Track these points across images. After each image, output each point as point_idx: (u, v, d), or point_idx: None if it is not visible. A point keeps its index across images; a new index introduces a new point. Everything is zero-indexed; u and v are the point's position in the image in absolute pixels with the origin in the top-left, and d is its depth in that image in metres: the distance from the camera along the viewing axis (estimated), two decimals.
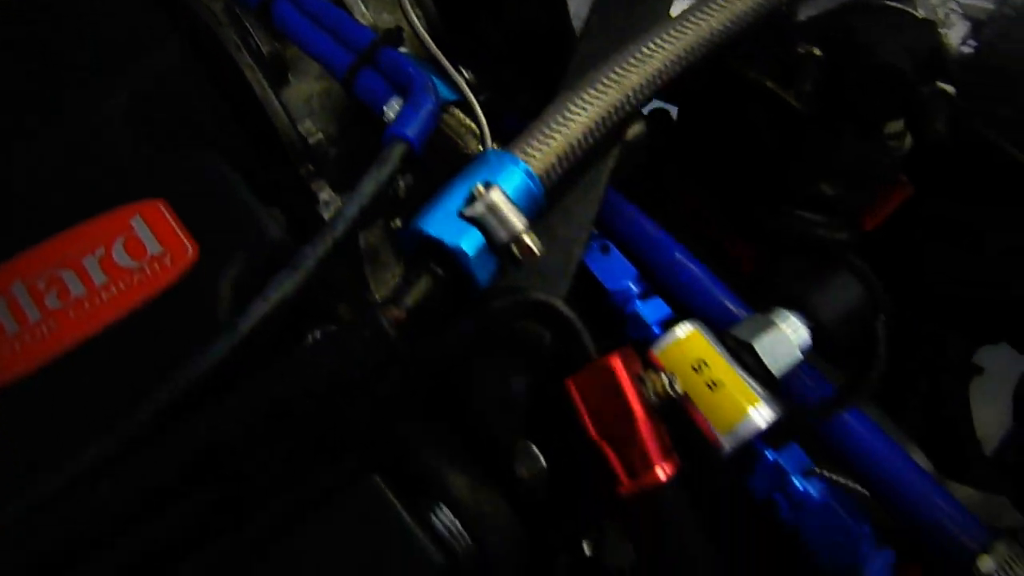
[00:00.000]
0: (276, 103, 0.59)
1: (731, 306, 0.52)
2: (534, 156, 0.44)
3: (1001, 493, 0.67)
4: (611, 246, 0.53)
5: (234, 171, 0.46)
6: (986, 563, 0.51)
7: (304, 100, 0.61)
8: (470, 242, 0.40)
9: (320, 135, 0.60)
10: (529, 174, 0.43)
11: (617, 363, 0.41)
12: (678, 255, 0.53)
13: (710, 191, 0.70)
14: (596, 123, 0.46)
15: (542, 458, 0.49)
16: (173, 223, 0.43)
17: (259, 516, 0.39)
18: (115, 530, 0.36)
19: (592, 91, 0.47)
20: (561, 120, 0.46)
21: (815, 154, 0.61)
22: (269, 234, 0.44)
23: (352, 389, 0.38)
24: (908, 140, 0.79)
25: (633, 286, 0.52)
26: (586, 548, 0.65)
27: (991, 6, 0.61)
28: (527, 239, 0.40)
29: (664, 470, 0.41)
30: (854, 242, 0.66)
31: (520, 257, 0.41)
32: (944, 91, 0.58)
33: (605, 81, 0.48)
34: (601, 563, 0.65)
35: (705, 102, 0.66)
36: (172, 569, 0.38)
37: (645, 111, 0.55)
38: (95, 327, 0.40)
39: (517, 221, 0.40)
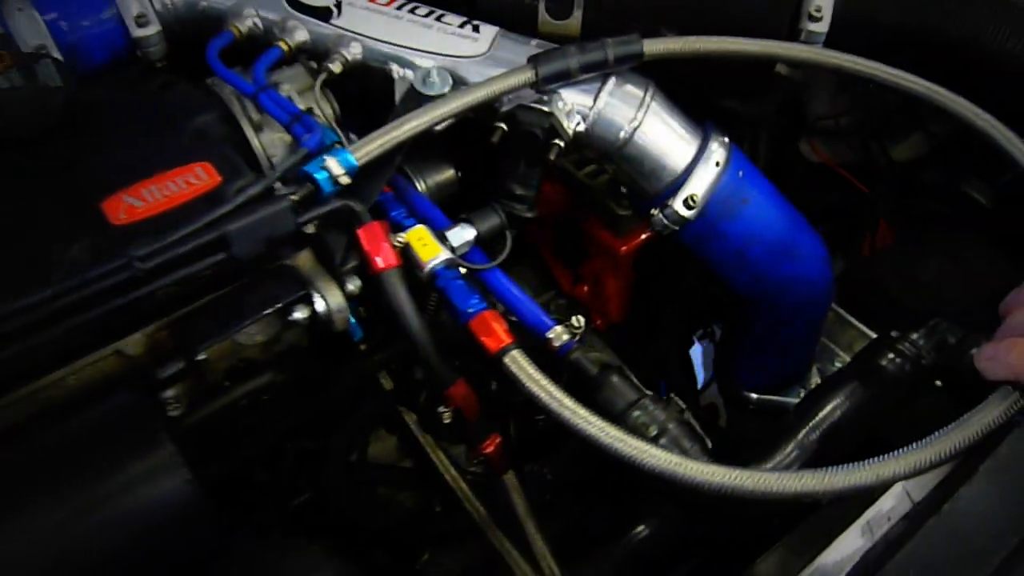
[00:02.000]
0: (256, 140, 1.30)
1: (445, 222, 1.22)
2: (357, 150, 1.14)
3: None
4: (394, 197, 1.24)
5: (238, 157, 1.17)
6: (550, 337, 1.18)
7: (270, 142, 1.32)
8: (322, 175, 1.09)
9: (277, 158, 1.31)
10: (348, 156, 1.13)
11: (375, 224, 1.10)
12: (419, 200, 1.24)
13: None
14: (387, 141, 1.16)
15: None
16: (213, 169, 1.12)
17: None
18: None
19: (386, 129, 1.17)
20: (371, 139, 1.16)
21: (505, 172, 1.31)
22: (247, 176, 1.13)
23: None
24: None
25: (402, 212, 1.22)
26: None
27: (590, 104, 1.32)
28: (342, 178, 1.10)
29: (388, 263, 1.09)
30: (534, 218, 1.35)
31: (339, 185, 1.10)
32: (559, 145, 1.28)
33: (395, 125, 1.18)
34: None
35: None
36: None
37: None
38: (179, 203, 1.08)
39: (338, 170, 1.10)
